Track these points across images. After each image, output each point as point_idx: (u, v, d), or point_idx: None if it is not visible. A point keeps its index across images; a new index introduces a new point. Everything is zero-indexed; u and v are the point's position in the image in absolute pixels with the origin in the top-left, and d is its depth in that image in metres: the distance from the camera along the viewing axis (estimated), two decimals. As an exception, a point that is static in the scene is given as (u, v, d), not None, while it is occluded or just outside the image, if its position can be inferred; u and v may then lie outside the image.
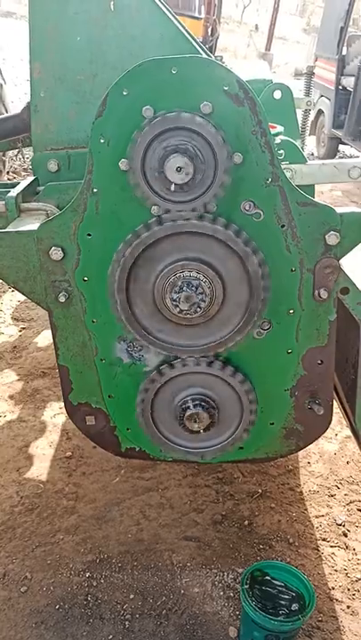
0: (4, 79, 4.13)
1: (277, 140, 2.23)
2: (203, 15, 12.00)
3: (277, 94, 2.60)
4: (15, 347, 4.17)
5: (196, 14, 12.13)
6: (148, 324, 1.97)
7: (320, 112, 11.80)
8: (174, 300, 1.85)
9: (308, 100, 4.07)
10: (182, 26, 2.52)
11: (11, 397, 3.60)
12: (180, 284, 1.84)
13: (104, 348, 2.08)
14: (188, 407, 2.05)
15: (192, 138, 1.72)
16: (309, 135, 11.86)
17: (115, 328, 2.02)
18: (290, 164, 2.31)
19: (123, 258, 1.86)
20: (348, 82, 10.63)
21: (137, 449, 2.29)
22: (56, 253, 1.92)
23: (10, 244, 1.99)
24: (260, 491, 3.01)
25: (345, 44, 10.93)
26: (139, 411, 2.13)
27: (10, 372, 3.87)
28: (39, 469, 3.05)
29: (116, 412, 2.20)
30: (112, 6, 2.38)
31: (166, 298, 1.87)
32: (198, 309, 1.85)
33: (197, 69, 1.69)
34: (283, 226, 1.85)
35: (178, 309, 1.85)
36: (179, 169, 1.70)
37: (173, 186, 1.72)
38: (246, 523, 2.83)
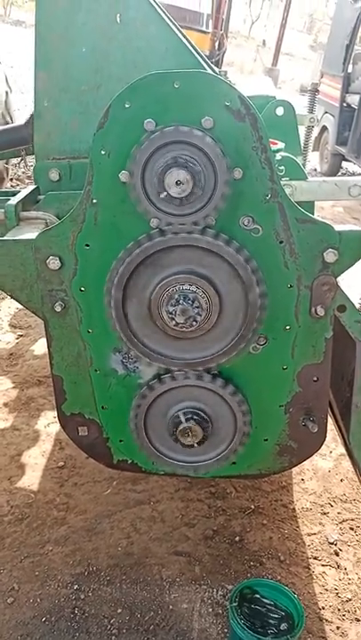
0: (10, 87, 4.15)
1: (278, 156, 2.23)
2: (210, 29, 12.12)
3: (280, 111, 2.61)
4: (12, 354, 4.15)
5: (204, 28, 12.25)
6: (144, 336, 1.96)
7: (324, 128, 11.87)
8: (170, 313, 1.84)
9: (312, 117, 4.08)
10: (187, 39, 2.53)
11: (5, 405, 3.59)
12: (176, 296, 1.83)
13: (99, 358, 2.07)
14: (182, 421, 2.04)
15: (192, 152, 1.72)
16: (313, 151, 11.95)
17: (110, 339, 2.01)
18: (290, 180, 2.32)
19: (120, 269, 1.85)
20: (353, 99, 10.71)
21: (129, 461, 2.27)
22: (53, 263, 1.91)
23: (7, 253, 1.98)
24: (252, 507, 2.99)
25: (351, 62, 11.02)
26: (132, 422, 2.12)
27: (5, 380, 3.85)
28: (31, 479, 3.02)
29: (109, 424, 2.19)
30: (118, 19, 2.39)
31: (162, 310, 1.86)
32: (194, 323, 1.85)
33: (200, 84, 1.70)
34: (281, 242, 1.85)
35: (174, 322, 1.85)
36: (178, 182, 1.70)
37: (164, 194, 1.72)
38: (238, 539, 2.80)
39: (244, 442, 2.13)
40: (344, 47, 10.93)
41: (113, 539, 2.72)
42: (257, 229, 1.84)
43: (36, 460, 3.15)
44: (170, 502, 2.95)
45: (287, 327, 1.98)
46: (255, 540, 2.81)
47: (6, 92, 4.36)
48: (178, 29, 2.48)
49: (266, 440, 2.18)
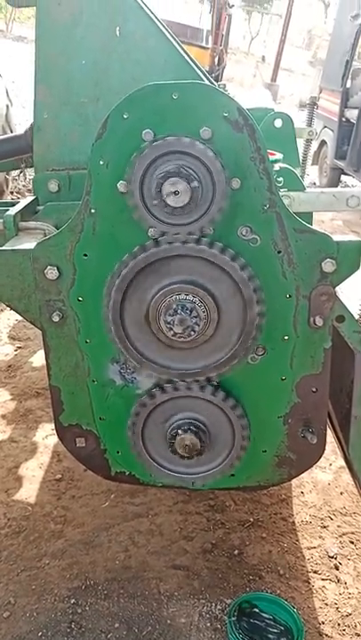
0: (10, 101, 4.18)
1: (276, 167, 2.24)
2: (210, 45, 12.25)
3: (278, 123, 2.63)
4: (10, 366, 4.14)
5: (204, 44, 12.39)
6: (142, 346, 1.96)
7: (323, 143, 11.95)
8: (168, 323, 1.83)
9: (310, 130, 4.11)
10: (187, 53, 2.55)
11: (3, 417, 3.57)
12: (174, 306, 1.83)
13: (97, 369, 2.06)
14: (179, 432, 2.02)
15: (191, 162, 1.72)
16: (312, 165, 12.02)
17: (108, 349, 2.00)
18: (288, 191, 2.32)
19: (118, 279, 1.85)
20: (352, 114, 10.78)
21: (127, 473, 2.26)
22: (51, 273, 1.91)
23: (5, 262, 1.99)
24: (251, 520, 2.96)
25: (350, 77, 11.11)
26: (129, 434, 2.10)
27: (3, 392, 3.84)
28: (28, 491, 3.00)
29: (106, 435, 2.18)
30: (118, 32, 2.41)
31: (160, 320, 1.85)
32: (192, 333, 1.84)
33: (198, 95, 1.71)
34: (279, 252, 1.85)
35: (172, 332, 1.84)
36: (176, 192, 1.70)
37: (158, 201, 1.72)
38: (236, 552, 2.78)
39: (242, 453, 2.12)
40: (343, 63, 11.03)
41: (111, 552, 2.70)
42: (255, 239, 1.84)
43: (33, 473, 3.12)
44: (168, 515, 2.93)
45: (286, 337, 1.97)
46: (254, 554, 2.78)
47: (7, 106, 4.39)
48: (177, 43, 2.50)
49: (264, 451, 2.16)
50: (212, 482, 2.20)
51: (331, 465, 3.46)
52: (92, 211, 1.84)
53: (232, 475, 2.20)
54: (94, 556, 2.66)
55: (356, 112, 10.55)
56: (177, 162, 1.72)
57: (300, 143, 3.64)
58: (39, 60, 2.48)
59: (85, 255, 1.90)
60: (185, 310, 1.82)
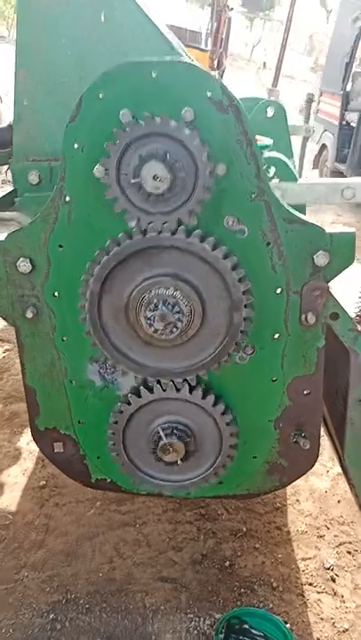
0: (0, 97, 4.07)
1: (266, 153, 2.12)
2: (209, 47, 12.16)
3: (270, 112, 2.50)
4: (-3, 368, 4.03)
5: (203, 46, 12.30)
6: (122, 344, 1.83)
7: (324, 146, 11.84)
8: (149, 319, 1.70)
9: (308, 127, 4.00)
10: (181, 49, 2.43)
11: (-14, 421, 3.45)
12: (155, 301, 1.70)
13: (74, 368, 1.94)
14: (162, 436, 1.89)
15: (171, 145, 1.59)
16: (313, 169, 11.92)
17: (86, 348, 1.87)
18: (280, 182, 2.20)
19: (95, 272, 1.72)
20: (352, 117, 10.69)
21: (108, 480, 2.13)
22: (24, 265, 1.79)
23: (-25, 255, 1.86)
24: (244, 529, 2.82)
25: (350, 80, 11.02)
26: (110, 438, 1.97)
27: (-12, 395, 3.72)
28: (9, 499, 2.87)
29: (85, 440, 2.05)
30: (103, 17, 2.30)
31: (140, 316, 1.72)
32: (175, 329, 1.71)
33: (179, 74, 1.58)
34: (268, 244, 1.73)
35: (152, 329, 1.71)
36: (155, 177, 1.57)
37: (132, 180, 1.59)
38: (228, 563, 2.64)
39: (230, 460, 1.99)
40: (343, 65, 10.94)
41: (94, 563, 2.56)
42: (242, 230, 1.72)
43: (15, 480, 2.99)
44: (156, 524, 2.79)
45: (276, 336, 1.84)
46: (246, 565, 2.65)
47: (-2, 100, 4.28)
48: (166, 30, 2.38)
49: (254, 458, 2.03)
50: (198, 490, 2.06)
51: (328, 472, 3.32)
52: (67, 198, 1.72)
53: (220, 482, 2.07)
54: (76, 568, 2.52)
55: (356, 115, 10.46)
56: (156, 145, 1.59)
57: (298, 142, 3.53)
58: (19, 43, 2.36)
59: (60, 246, 1.77)
60: (166, 305, 1.69)
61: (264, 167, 1.68)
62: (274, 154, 2.19)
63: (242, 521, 2.88)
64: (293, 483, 2.16)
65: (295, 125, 3.67)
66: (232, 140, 1.62)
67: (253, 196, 1.68)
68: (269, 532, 2.85)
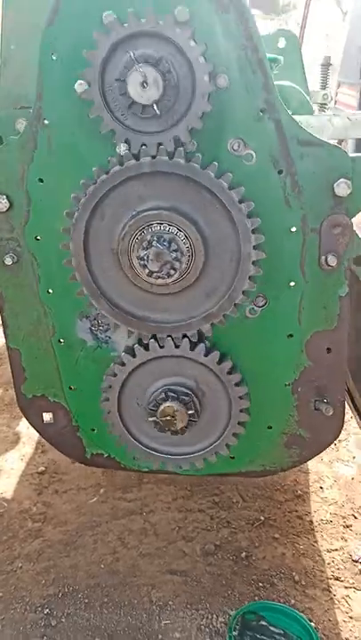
0: None
1: (275, 71, 1.86)
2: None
3: (281, 43, 2.25)
4: None
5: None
6: (114, 293, 1.59)
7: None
8: (142, 259, 1.47)
9: (325, 94, 3.73)
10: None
11: (-14, 406, 3.24)
12: (148, 238, 1.46)
13: (63, 326, 1.71)
14: (162, 400, 1.65)
15: (162, 48, 1.36)
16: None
17: (75, 301, 1.65)
18: (295, 114, 1.95)
19: (79, 208, 1.49)
20: (372, 106, 10.36)
21: (105, 455, 1.89)
22: (0, 203, 1.57)
23: None
24: (262, 518, 2.56)
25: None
26: (104, 404, 1.73)
27: (-11, 380, 3.52)
28: (5, 485, 2.65)
29: (78, 409, 1.82)
30: None
31: (133, 257, 1.49)
32: (172, 271, 1.47)
33: (171, -36, 1.34)
34: (280, 171, 1.48)
35: (147, 271, 1.47)
36: (144, 84, 1.34)
37: (122, 99, 1.36)
38: (244, 555, 2.38)
39: (241, 429, 1.73)
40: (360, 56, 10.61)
41: (96, 554, 2.32)
42: (249, 155, 1.47)
43: (12, 465, 2.77)
44: (165, 513, 2.54)
45: (291, 283, 1.59)
46: (265, 557, 2.38)
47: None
48: None
49: (270, 428, 1.78)
50: (207, 465, 1.81)
51: (354, 458, 3.03)
52: (46, 121, 1.49)
53: (232, 457, 1.82)
54: (76, 559, 2.29)
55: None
56: (145, 48, 1.36)
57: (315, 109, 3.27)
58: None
59: (41, 180, 1.55)
60: (162, 242, 1.45)
61: (273, 78, 1.43)
62: (287, 82, 1.94)
63: (259, 509, 2.62)
64: (316, 469, 1.90)
65: (313, 91, 3.42)
66: (235, 46, 1.38)
67: (261, 112, 1.43)
68: (290, 522, 2.58)
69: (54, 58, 1.43)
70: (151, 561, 2.32)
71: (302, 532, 2.53)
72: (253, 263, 1.51)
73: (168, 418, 1.65)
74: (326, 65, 3.92)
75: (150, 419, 1.67)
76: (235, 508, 2.63)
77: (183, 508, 2.59)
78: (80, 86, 1.41)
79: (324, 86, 3.95)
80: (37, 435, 2.96)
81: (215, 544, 2.42)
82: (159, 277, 1.48)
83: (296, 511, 2.66)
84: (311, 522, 2.61)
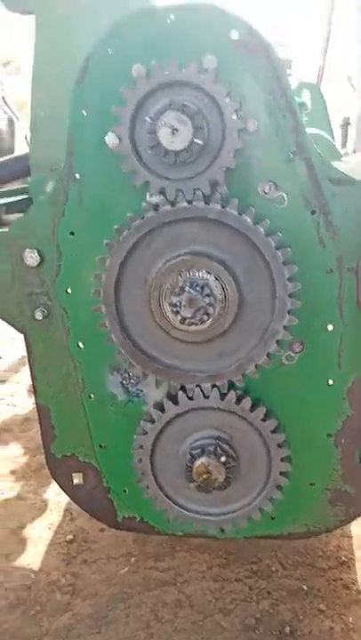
0: (16, 115, 4.03)
1: (305, 118, 1.87)
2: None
3: (305, 95, 2.29)
4: (27, 419, 3.75)
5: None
6: (145, 343, 1.54)
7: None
8: (174, 306, 1.43)
9: (346, 152, 3.80)
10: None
11: (12, 473, 3.14)
12: (181, 284, 1.42)
13: (93, 380, 1.66)
14: (197, 455, 1.56)
15: (192, 95, 1.37)
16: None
17: (105, 354, 1.60)
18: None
19: (110, 257, 1.47)
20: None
21: (137, 519, 1.79)
22: (31, 257, 1.56)
23: (-24, 250, 1.64)
24: (305, 588, 2.38)
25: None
26: (136, 462, 1.65)
27: (16, 446, 3.43)
28: (33, 555, 2.52)
29: (109, 468, 1.74)
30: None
31: (165, 303, 1.45)
32: (206, 317, 1.42)
33: (198, 16, 1.38)
34: (313, 212, 1.45)
35: (180, 317, 1.43)
36: (174, 131, 1.34)
37: (153, 148, 1.36)
38: (288, 629, 2.19)
39: (282, 486, 1.63)
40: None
41: (128, 630, 2.16)
42: (281, 198, 1.45)
43: (40, 534, 2.65)
44: (200, 583, 2.38)
45: (329, 327, 1.53)
46: (311, 632, 2.19)
47: (12, 121, 4.24)
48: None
49: (312, 484, 1.67)
50: (246, 527, 1.70)
51: None
52: (77, 176, 1.50)
53: (272, 518, 1.71)
54: (107, 635, 2.12)
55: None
56: (174, 95, 1.37)
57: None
58: (37, 55, 2.26)
59: (72, 233, 1.54)
60: (195, 288, 1.41)
61: (303, 120, 1.43)
62: (314, 130, 1.95)
63: (301, 578, 2.44)
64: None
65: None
66: (263, 90, 1.39)
67: (292, 154, 1.42)
68: (336, 592, 2.39)
69: (85, 114, 1.45)
70: (187, 636, 2.15)
71: (350, 603, 2.34)
72: (289, 311, 1.46)
73: (205, 476, 1.56)
74: (345, 125, 4.01)
75: (191, 484, 1.58)
76: (274, 576, 2.46)
77: (219, 578, 2.43)
78: (111, 140, 1.42)
79: (344, 145, 4.03)
80: (65, 502, 2.87)
81: (256, 617, 2.24)
82: (192, 324, 1.44)
83: (341, 579, 2.47)
84: (359, 591, 2.42)
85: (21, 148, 4.26)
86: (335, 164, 1.93)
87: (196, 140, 1.35)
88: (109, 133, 1.42)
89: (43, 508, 2.84)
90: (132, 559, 2.50)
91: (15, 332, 1.83)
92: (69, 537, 2.62)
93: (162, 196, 1.43)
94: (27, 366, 4.40)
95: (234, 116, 1.37)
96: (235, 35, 1.36)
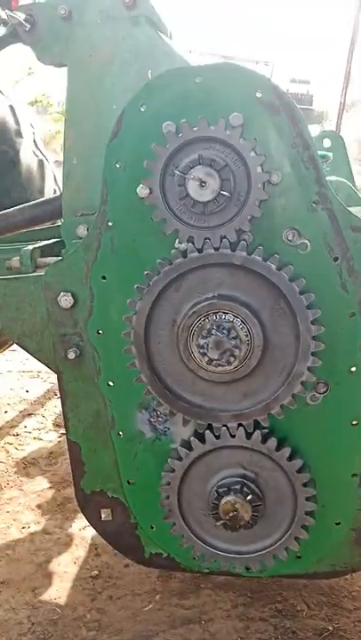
0: (46, 158, 4.17)
1: (327, 168, 1.95)
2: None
3: (326, 142, 2.37)
4: (52, 452, 3.80)
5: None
6: (173, 382, 1.60)
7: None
8: (202, 347, 1.49)
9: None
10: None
11: (38, 507, 3.17)
12: (208, 327, 1.49)
13: (122, 418, 1.71)
14: (224, 493, 1.60)
15: (219, 150, 1.45)
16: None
17: (134, 393, 1.66)
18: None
19: (140, 300, 1.54)
20: None
21: (164, 555, 1.82)
22: (65, 300, 1.64)
23: (14, 292, 1.74)
24: (330, 628, 2.36)
25: None
26: (163, 499, 1.69)
27: (42, 480, 3.47)
28: (58, 590, 2.54)
29: (137, 505, 1.78)
30: (150, 76, 2.30)
31: (192, 345, 1.51)
32: (232, 359, 1.48)
33: (224, 77, 1.47)
34: (336, 258, 1.51)
35: (207, 359, 1.49)
36: (202, 184, 1.42)
37: (183, 199, 1.44)
38: (313, 671, 2.18)
39: (308, 525, 1.65)
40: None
41: (153, 668, 2.17)
42: (304, 245, 1.52)
43: (66, 569, 2.67)
44: (225, 621, 2.38)
45: (353, 368, 1.58)
46: (336, 674, 2.18)
47: (54, 190, 4.39)
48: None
49: (338, 524, 1.69)
50: (272, 566, 1.72)
51: None
52: (110, 223, 1.58)
53: (298, 557, 1.73)
54: (132, 673, 2.14)
55: None
56: (202, 150, 1.45)
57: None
58: (69, 107, 2.38)
59: (104, 278, 1.62)
60: (221, 331, 1.48)
61: (325, 171, 1.50)
62: (336, 177, 2.03)
63: (327, 618, 2.42)
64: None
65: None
66: (287, 144, 1.47)
67: (314, 204, 1.49)
68: (362, 633, 2.37)
69: (118, 166, 1.54)
70: None
71: (376, 645, 2.32)
72: (313, 354, 1.51)
73: (231, 514, 1.59)
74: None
75: (218, 523, 1.62)
76: (299, 616, 2.44)
77: (244, 617, 2.42)
78: (142, 191, 1.51)
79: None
80: (90, 537, 2.89)
81: (281, 658, 2.24)
82: (219, 365, 1.49)
83: (367, 621, 2.45)
84: (385, 633, 2.39)
85: (51, 189, 4.42)
86: (356, 209, 2.00)
87: (223, 192, 1.43)
88: (141, 185, 1.51)
89: (68, 542, 2.87)
90: (157, 596, 2.51)
91: (41, 366, 1.91)
92: (95, 572, 2.64)
93: (190, 244, 1.51)
94: (52, 400, 4.48)
95: (259, 169, 1.45)
96: (259, 93, 1.45)
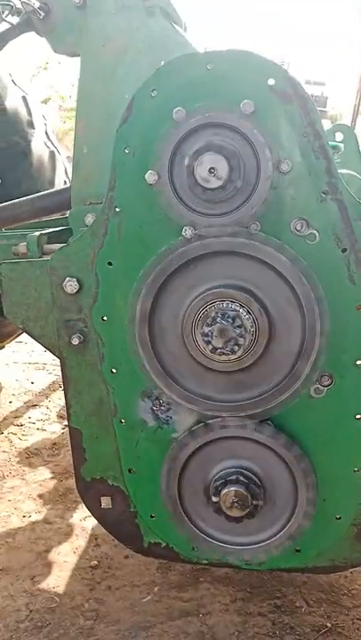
0: (58, 150, 4.17)
1: (337, 159, 1.93)
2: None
3: (339, 136, 2.35)
4: (55, 444, 3.81)
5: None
6: (177, 371, 1.59)
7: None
8: (206, 335, 1.48)
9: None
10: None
11: (40, 496, 3.18)
12: (213, 314, 1.48)
13: (125, 406, 1.70)
14: (224, 484, 1.59)
15: (229, 136, 1.44)
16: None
17: (137, 380, 1.65)
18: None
19: (145, 287, 1.53)
20: None
21: (163, 545, 1.81)
22: (71, 285, 1.63)
23: (20, 277, 1.73)
24: (328, 625, 2.35)
25: None
26: (163, 488, 1.69)
27: (44, 470, 3.47)
28: (57, 579, 2.54)
29: (137, 493, 1.77)
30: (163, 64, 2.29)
31: (197, 333, 1.50)
32: (236, 348, 1.47)
33: (236, 63, 1.46)
34: (344, 250, 1.50)
35: (211, 347, 1.48)
36: (211, 170, 1.41)
37: (191, 186, 1.43)
38: (310, 667, 2.17)
39: (308, 519, 1.64)
40: None
41: (149, 658, 2.16)
42: (313, 235, 1.50)
43: (65, 558, 2.67)
44: (223, 615, 2.37)
45: (358, 362, 1.56)
46: (334, 671, 2.16)
47: (65, 182, 4.39)
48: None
49: (339, 518, 1.68)
50: (271, 558, 1.71)
51: None
52: (117, 209, 1.58)
53: (297, 550, 1.72)
54: (129, 663, 2.13)
55: None
56: (212, 137, 1.44)
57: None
58: (81, 96, 2.38)
59: (110, 264, 1.61)
60: (226, 319, 1.47)
61: (336, 161, 1.49)
62: (346, 171, 2.01)
63: (325, 615, 2.41)
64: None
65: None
66: (298, 134, 1.45)
67: (324, 195, 1.48)
68: (360, 630, 2.36)
69: (127, 151, 1.53)
70: (209, 669, 2.14)
71: (374, 644, 2.30)
72: (318, 344, 1.50)
73: (232, 505, 1.58)
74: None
75: (218, 513, 1.61)
76: (298, 612, 2.43)
77: (243, 611, 2.41)
78: (151, 177, 1.50)
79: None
80: (91, 527, 2.89)
81: (278, 653, 2.22)
82: (223, 354, 1.48)
83: (366, 619, 2.43)
84: (384, 632, 2.38)
85: (61, 180, 4.43)
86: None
87: (231, 179, 1.42)
88: (149, 171, 1.50)
89: (68, 532, 2.87)
90: (156, 588, 2.50)
91: (47, 358, 1.90)
92: (94, 562, 2.64)
93: (197, 231, 1.50)
94: (57, 392, 4.47)
95: (269, 158, 1.44)
96: (271, 81, 1.43)
